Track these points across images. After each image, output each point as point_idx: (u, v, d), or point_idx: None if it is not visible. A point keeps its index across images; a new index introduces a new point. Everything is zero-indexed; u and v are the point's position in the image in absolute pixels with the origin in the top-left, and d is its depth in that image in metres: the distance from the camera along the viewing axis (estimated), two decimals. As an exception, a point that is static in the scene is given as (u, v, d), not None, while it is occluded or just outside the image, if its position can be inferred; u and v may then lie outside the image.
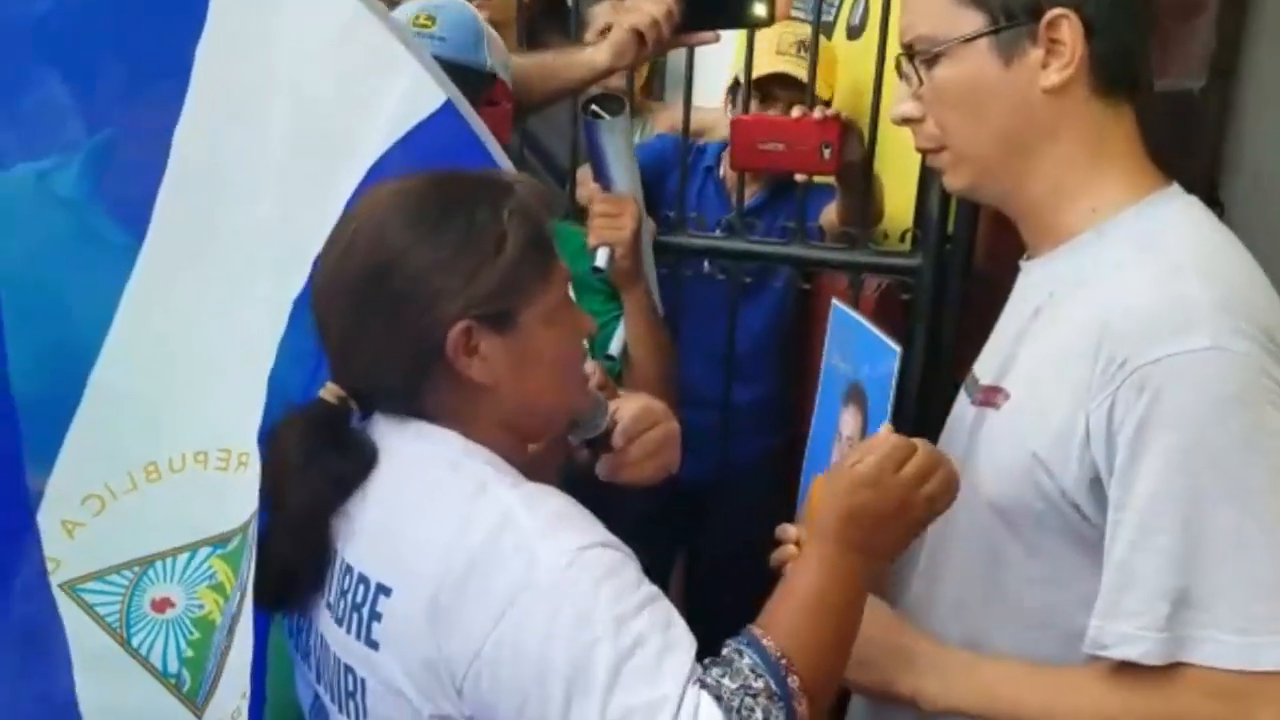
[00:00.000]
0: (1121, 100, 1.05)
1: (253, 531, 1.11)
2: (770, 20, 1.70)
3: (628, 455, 1.22)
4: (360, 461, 1.05)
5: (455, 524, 0.96)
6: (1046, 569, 1.05)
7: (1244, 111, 1.78)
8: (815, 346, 1.63)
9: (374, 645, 0.99)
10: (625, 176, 1.73)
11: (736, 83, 2.21)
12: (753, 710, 0.89)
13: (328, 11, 1.23)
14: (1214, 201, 1.68)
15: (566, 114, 1.89)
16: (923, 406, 1.72)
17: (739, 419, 2.01)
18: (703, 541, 2.28)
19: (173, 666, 1.25)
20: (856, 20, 2.37)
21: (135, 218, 1.24)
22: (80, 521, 1.24)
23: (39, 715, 1.24)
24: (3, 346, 1.19)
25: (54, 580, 1.24)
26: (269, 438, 1.08)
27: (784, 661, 0.92)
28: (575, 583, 0.91)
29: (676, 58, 2.00)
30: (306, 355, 1.16)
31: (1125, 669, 0.97)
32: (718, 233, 1.93)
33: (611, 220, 1.68)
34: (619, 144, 1.71)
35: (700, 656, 0.93)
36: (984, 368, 1.16)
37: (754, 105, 1.98)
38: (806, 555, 1.01)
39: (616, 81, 1.86)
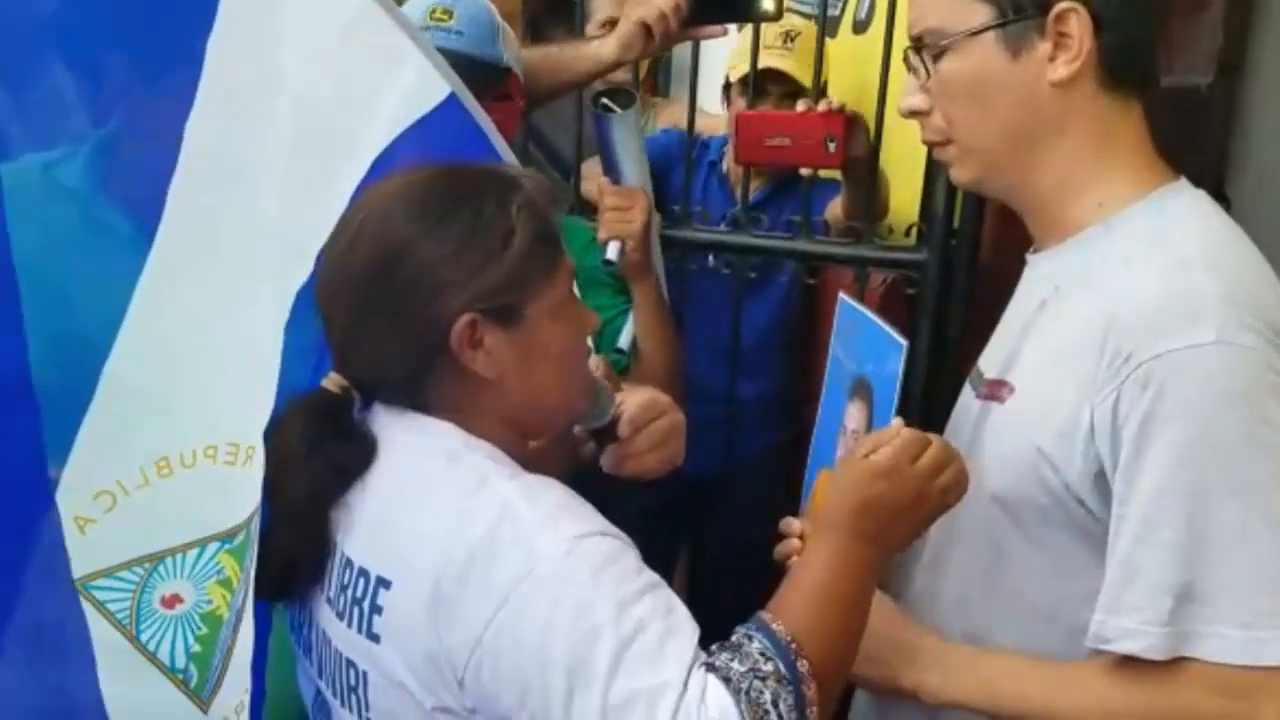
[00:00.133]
0: (1130, 94, 1.05)
1: (256, 525, 1.11)
2: (778, 14, 1.70)
3: (633, 446, 1.22)
4: (362, 451, 1.05)
5: (455, 516, 0.96)
6: (1050, 563, 1.05)
7: (1251, 107, 1.77)
8: (820, 341, 1.63)
9: (375, 638, 0.99)
10: (635, 170, 1.73)
11: (729, 83, 2.22)
12: (762, 693, 0.89)
13: (331, 11, 1.23)
14: (1221, 197, 1.68)
15: (571, 108, 1.89)
16: (928, 401, 1.72)
17: (743, 413, 2.02)
18: (707, 535, 2.28)
19: (180, 662, 1.25)
20: (863, 14, 2.37)
21: (145, 210, 1.24)
22: (92, 518, 1.24)
23: (69, 713, 1.24)
24: (23, 335, 1.19)
25: None
26: (271, 427, 1.08)
27: (794, 646, 0.92)
28: (575, 571, 0.91)
29: (681, 52, 2.00)
30: (309, 348, 1.16)
31: (1128, 664, 0.97)
32: (722, 227, 1.93)
33: (622, 214, 1.68)
34: (629, 137, 1.72)
35: (704, 649, 0.93)
36: (989, 361, 1.16)
37: (746, 104, 1.98)
38: (817, 544, 1.00)
39: (619, 75, 1.85)
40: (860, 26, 2.38)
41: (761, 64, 1.94)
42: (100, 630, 1.24)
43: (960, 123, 1.08)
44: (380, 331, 1.03)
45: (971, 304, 1.76)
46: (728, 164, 2.22)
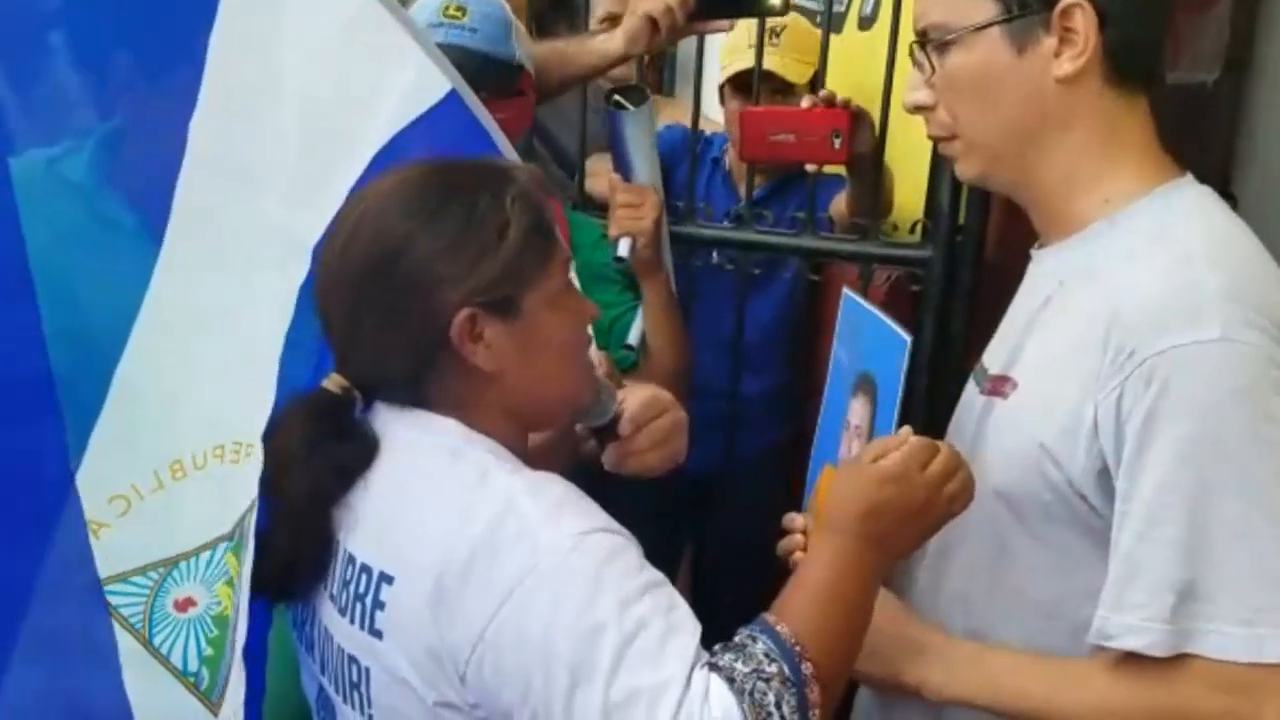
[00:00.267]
0: (1135, 90, 1.05)
1: (250, 522, 1.10)
2: (785, 9, 1.70)
3: (634, 444, 1.22)
4: (362, 451, 1.04)
5: (457, 512, 0.96)
6: (1053, 559, 1.05)
7: (1257, 104, 1.77)
8: (824, 338, 1.62)
9: (378, 634, 0.99)
10: (646, 167, 1.73)
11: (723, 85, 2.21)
12: (765, 694, 0.89)
13: (332, 10, 1.23)
14: (1227, 194, 1.67)
15: (574, 104, 1.89)
16: (932, 397, 1.71)
17: (747, 410, 2.02)
18: (709, 532, 2.28)
19: (193, 665, 1.24)
20: (868, 11, 2.37)
21: (149, 205, 1.24)
22: (105, 522, 1.23)
23: (97, 715, 1.23)
24: (41, 331, 1.19)
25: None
26: (271, 428, 1.08)
27: (798, 648, 0.92)
28: (578, 567, 0.91)
29: (686, 49, 1.99)
30: (309, 346, 1.16)
31: (1130, 660, 0.96)
32: (726, 223, 1.93)
33: (633, 210, 1.69)
34: (641, 135, 1.72)
35: (706, 647, 0.93)
36: (992, 357, 1.15)
37: (739, 103, 1.98)
38: (823, 546, 1.00)
39: (621, 71, 1.85)
40: (865, 23, 2.38)
41: (747, 64, 1.94)
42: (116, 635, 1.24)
43: (965, 118, 1.08)
44: (379, 328, 1.02)
45: (976, 300, 1.76)
46: (730, 160, 2.22)
